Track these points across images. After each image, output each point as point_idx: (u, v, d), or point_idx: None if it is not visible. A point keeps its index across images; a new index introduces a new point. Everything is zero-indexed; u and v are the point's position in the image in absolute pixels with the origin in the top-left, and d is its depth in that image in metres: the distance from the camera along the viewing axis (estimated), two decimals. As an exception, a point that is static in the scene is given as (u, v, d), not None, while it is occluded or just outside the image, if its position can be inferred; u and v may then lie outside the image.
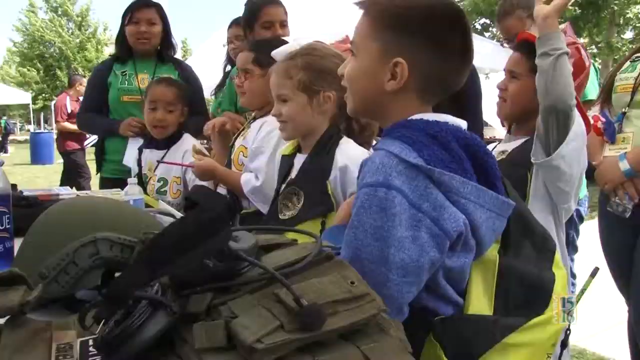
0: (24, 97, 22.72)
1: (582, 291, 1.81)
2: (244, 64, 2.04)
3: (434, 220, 0.92)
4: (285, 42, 1.90)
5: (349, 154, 1.57)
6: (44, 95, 29.52)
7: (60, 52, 29.72)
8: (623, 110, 2.02)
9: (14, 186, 1.76)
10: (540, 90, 1.65)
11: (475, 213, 0.95)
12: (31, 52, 30.51)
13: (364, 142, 1.68)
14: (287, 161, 1.72)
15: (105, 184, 2.94)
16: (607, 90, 2.17)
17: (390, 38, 1.02)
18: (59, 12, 30.66)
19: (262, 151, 1.92)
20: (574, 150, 1.69)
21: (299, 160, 1.67)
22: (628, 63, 2.08)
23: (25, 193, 2.10)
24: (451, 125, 1.02)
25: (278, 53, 1.69)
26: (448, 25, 1.03)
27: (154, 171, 2.51)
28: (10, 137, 23.30)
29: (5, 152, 18.75)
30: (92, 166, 3.73)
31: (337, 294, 0.69)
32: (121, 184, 2.48)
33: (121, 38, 2.97)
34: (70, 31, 30.71)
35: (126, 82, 2.92)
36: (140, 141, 2.70)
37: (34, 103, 26.89)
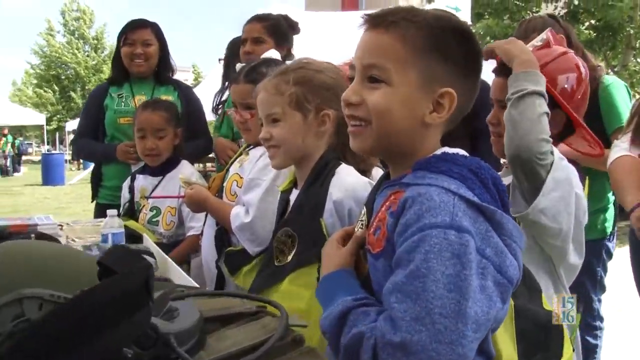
0: (38, 118, 22.94)
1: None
2: (244, 98, 1.82)
3: (497, 268, 0.84)
4: (275, 63, 1.73)
5: (346, 184, 1.36)
6: (58, 116, 29.96)
7: (76, 74, 30.19)
8: None
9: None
10: (505, 137, 1.40)
11: (521, 258, 0.89)
12: (48, 73, 31.05)
13: (365, 171, 1.49)
14: (283, 198, 1.53)
15: (101, 210, 2.75)
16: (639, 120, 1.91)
17: (431, 64, 0.92)
18: (76, 35, 31.22)
19: (257, 184, 1.71)
20: (557, 201, 1.41)
21: (295, 196, 1.47)
22: None
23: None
24: (483, 161, 0.94)
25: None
26: (473, 45, 0.97)
27: (147, 199, 2.33)
28: (25, 158, 23.52)
29: (18, 172, 18.85)
30: (87, 192, 3.57)
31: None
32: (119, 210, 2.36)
33: (117, 60, 2.84)
34: (87, 53, 31.23)
35: (122, 104, 2.79)
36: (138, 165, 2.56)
37: (48, 124, 27.27)
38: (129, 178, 2.45)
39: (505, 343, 0.93)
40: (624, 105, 2.23)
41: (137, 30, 2.76)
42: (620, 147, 1.96)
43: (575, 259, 1.50)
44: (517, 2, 10.90)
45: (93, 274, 0.93)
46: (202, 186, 1.99)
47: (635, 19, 12.79)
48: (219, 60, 3.36)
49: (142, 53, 2.75)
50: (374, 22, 0.95)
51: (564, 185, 1.42)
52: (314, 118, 1.42)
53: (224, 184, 1.88)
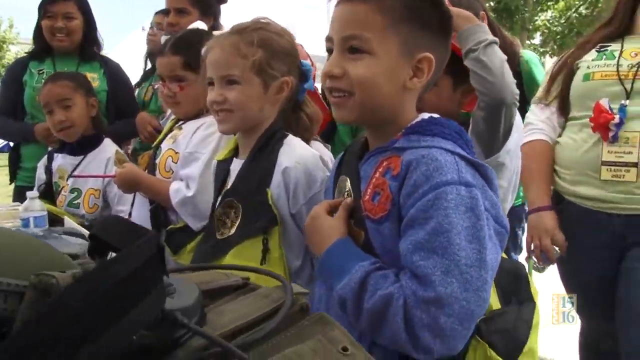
0: None
1: (529, 273, 1.74)
2: (172, 70, 1.72)
3: (495, 218, 0.90)
4: (205, 33, 1.64)
5: (297, 154, 1.32)
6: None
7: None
8: (623, 102, 1.62)
9: None
10: (483, 88, 1.42)
11: None
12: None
13: (307, 140, 1.47)
14: (222, 168, 1.44)
15: (20, 192, 2.53)
16: (566, 80, 1.77)
17: (410, 31, 0.94)
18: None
19: (196, 157, 1.63)
20: (516, 143, 1.55)
21: (237, 165, 1.40)
22: (594, 52, 1.75)
23: None
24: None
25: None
26: (444, 11, 0.99)
27: (67, 180, 2.14)
28: None
29: None
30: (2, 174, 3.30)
31: (328, 374, 0.47)
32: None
33: (37, 33, 2.61)
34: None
35: (42, 81, 2.50)
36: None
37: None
38: (44, 158, 2.25)
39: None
40: (543, 76, 2.36)
41: (59, 2, 2.52)
42: (534, 127, 1.83)
43: (510, 204, 1.62)
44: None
45: (46, 255, 0.84)
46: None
47: (529, 2, 13.66)
48: (142, 28, 3.18)
49: (63, 27, 2.52)
50: None
51: (520, 128, 1.54)
52: (274, 85, 1.35)
53: (156, 161, 1.77)
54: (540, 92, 1.89)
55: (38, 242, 0.88)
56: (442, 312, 0.81)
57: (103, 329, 0.39)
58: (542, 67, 2.49)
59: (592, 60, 1.72)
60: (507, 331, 1.01)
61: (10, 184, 2.74)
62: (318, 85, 2.25)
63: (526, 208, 2.54)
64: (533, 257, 1.74)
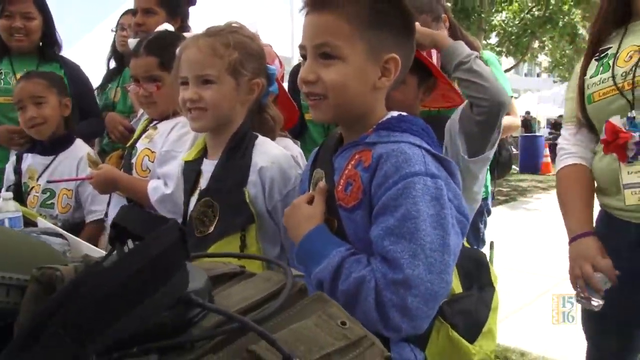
0: None
1: (490, 261, 1.78)
2: (147, 71, 1.76)
3: (457, 208, 0.98)
4: (178, 36, 1.68)
5: (272, 155, 1.38)
6: None
7: None
8: (629, 115, 1.46)
9: None
10: (481, 94, 1.46)
11: None
12: None
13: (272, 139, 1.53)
14: (192, 168, 1.48)
15: None
16: (581, 101, 1.60)
17: (374, 34, 1.01)
18: None
19: (173, 156, 1.68)
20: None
21: (208, 166, 1.44)
22: (594, 63, 1.59)
23: None
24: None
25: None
26: (407, 13, 1.06)
27: (37, 180, 2.13)
28: None
29: None
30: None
31: (331, 343, 0.52)
32: None
33: None
34: None
35: (1, 82, 2.50)
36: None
37: None
38: (13, 158, 2.23)
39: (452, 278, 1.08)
40: (503, 78, 2.46)
41: (17, 2, 2.46)
42: (566, 152, 1.68)
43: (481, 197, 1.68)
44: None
45: (42, 250, 0.87)
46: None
47: (484, 3, 14.01)
48: (112, 30, 3.13)
49: (22, 27, 2.47)
50: (317, 5, 1.03)
51: None
52: (245, 86, 1.40)
53: (132, 161, 1.79)
54: (567, 113, 1.75)
55: (32, 238, 0.91)
56: (409, 293, 0.89)
57: (131, 308, 0.44)
58: (500, 66, 2.60)
59: (591, 77, 1.58)
60: (469, 313, 1.09)
61: None
62: (285, 85, 2.31)
63: (489, 202, 2.66)
64: (579, 293, 1.51)
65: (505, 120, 2.36)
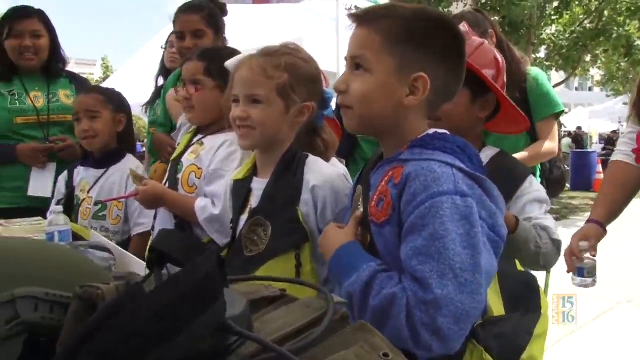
0: None
1: (546, 286, 1.78)
2: (193, 74, 1.78)
3: (491, 227, 0.97)
4: (237, 52, 1.69)
5: (325, 174, 1.37)
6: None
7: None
8: None
9: None
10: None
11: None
12: None
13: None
14: (242, 187, 1.49)
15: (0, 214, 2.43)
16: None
17: (405, 52, 1.03)
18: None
19: (221, 175, 1.68)
20: None
21: (258, 184, 1.44)
22: None
23: None
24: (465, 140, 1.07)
25: (233, 63, 1.47)
26: (452, 34, 1.06)
27: (88, 192, 2.20)
28: None
29: None
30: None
31: (373, 377, 0.50)
32: (21, 214, 2.18)
33: (1, 53, 2.54)
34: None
35: (17, 102, 2.54)
36: (46, 166, 2.44)
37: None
38: (65, 173, 2.31)
39: (493, 300, 1.06)
40: (553, 93, 2.37)
41: (24, 20, 2.50)
42: (617, 148, 1.83)
43: None
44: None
45: (86, 267, 0.88)
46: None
47: (533, 16, 13.74)
48: (161, 47, 3.19)
49: (31, 46, 2.51)
50: (359, 19, 1.08)
51: None
52: (295, 108, 1.40)
53: (178, 176, 1.81)
54: (628, 112, 1.88)
55: (77, 254, 0.92)
56: (440, 313, 0.88)
57: (171, 337, 0.43)
58: (549, 82, 2.51)
59: None
60: (505, 337, 1.06)
61: None
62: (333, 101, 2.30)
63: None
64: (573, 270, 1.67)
65: (543, 147, 2.29)
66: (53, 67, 2.62)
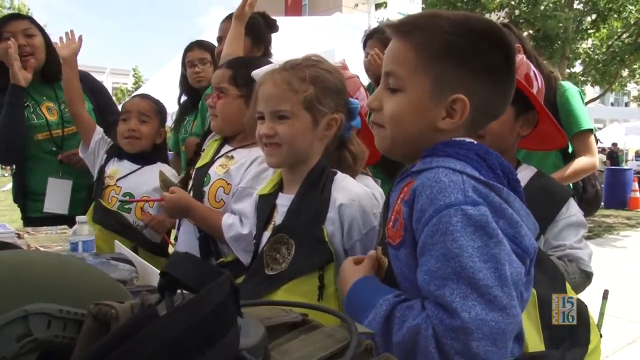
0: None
1: (601, 315, 1.70)
2: (219, 81, 1.76)
3: (512, 239, 0.85)
4: (268, 62, 1.66)
5: (353, 192, 1.31)
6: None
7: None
8: None
9: None
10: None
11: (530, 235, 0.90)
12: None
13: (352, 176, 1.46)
14: (267, 202, 1.43)
15: (32, 224, 2.43)
16: None
17: (443, 71, 0.92)
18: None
19: (250, 193, 1.63)
20: None
21: (284, 200, 1.39)
22: None
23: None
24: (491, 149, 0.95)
25: (260, 73, 1.44)
26: (500, 48, 0.94)
27: (117, 181, 2.22)
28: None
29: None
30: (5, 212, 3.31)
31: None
32: (54, 223, 2.20)
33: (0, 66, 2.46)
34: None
35: (35, 117, 2.50)
36: (62, 183, 2.48)
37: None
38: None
39: (530, 332, 0.96)
40: (582, 110, 2.30)
41: (13, 22, 2.47)
42: None
43: None
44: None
45: (103, 283, 0.85)
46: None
47: (569, 30, 13.50)
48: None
49: (25, 44, 2.47)
50: (396, 29, 0.97)
51: None
52: (323, 121, 1.35)
53: (205, 189, 1.77)
54: None
55: (94, 270, 0.90)
56: (472, 338, 0.79)
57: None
58: (582, 97, 2.42)
59: None
60: None
61: (22, 218, 2.68)
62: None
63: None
64: None
65: (582, 162, 2.21)
66: (53, 68, 2.54)
